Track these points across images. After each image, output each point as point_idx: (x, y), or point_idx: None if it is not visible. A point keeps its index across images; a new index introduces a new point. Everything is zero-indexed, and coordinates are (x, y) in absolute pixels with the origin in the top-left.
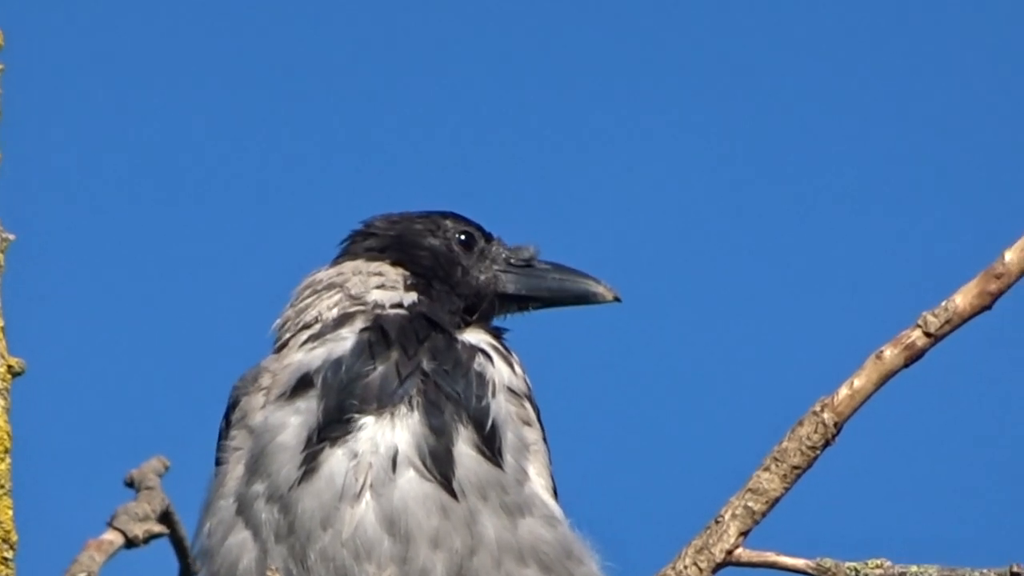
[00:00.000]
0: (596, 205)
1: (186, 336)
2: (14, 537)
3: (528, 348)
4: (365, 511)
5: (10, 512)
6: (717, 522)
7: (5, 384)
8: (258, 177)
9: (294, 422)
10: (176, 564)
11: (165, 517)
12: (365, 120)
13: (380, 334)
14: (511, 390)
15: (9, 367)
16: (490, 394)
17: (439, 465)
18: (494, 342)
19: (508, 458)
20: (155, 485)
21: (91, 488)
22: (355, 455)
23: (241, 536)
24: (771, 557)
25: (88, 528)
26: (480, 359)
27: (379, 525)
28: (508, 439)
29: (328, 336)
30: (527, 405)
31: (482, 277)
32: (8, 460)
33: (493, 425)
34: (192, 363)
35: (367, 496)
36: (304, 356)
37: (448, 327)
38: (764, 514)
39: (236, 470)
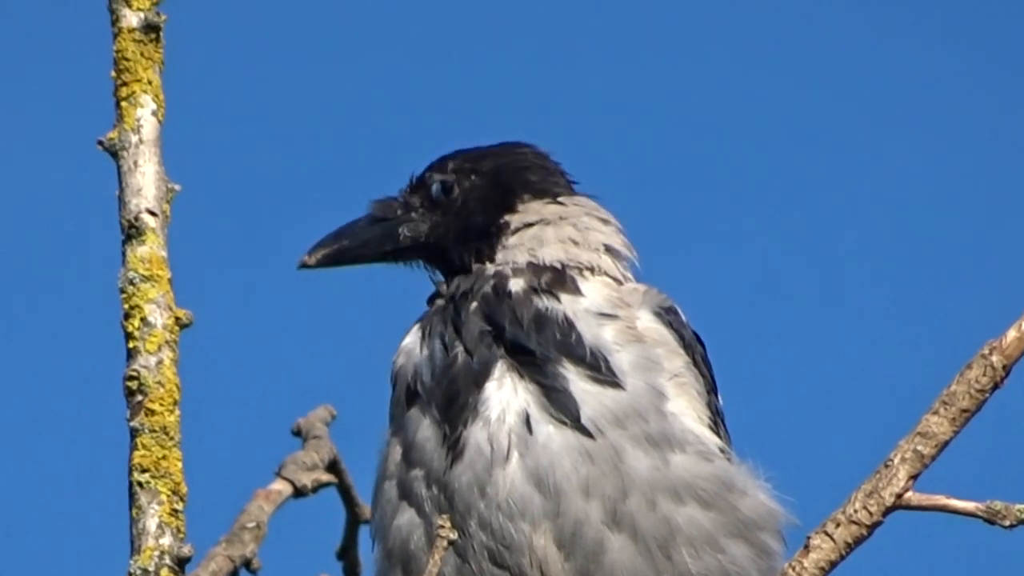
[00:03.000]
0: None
1: (351, 284)
2: (184, 489)
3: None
4: (515, 471)
5: (180, 464)
6: (887, 466)
7: (173, 336)
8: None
9: (428, 418)
10: (344, 513)
11: (333, 466)
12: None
13: (428, 325)
14: (599, 313)
15: (177, 319)
16: (568, 328)
17: (564, 411)
18: (537, 280)
19: (631, 380)
20: (323, 434)
21: (259, 438)
22: (489, 424)
23: (407, 515)
24: (941, 500)
25: (256, 478)
26: (539, 302)
27: (529, 483)
28: (616, 359)
29: (416, 323)
30: (638, 323)
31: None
32: (177, 412)
33: (592, 352)
34: (358, 311)
35: (515, 457)
36: (403, 360)
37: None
38: (933, 457)
39: (395, 452)
